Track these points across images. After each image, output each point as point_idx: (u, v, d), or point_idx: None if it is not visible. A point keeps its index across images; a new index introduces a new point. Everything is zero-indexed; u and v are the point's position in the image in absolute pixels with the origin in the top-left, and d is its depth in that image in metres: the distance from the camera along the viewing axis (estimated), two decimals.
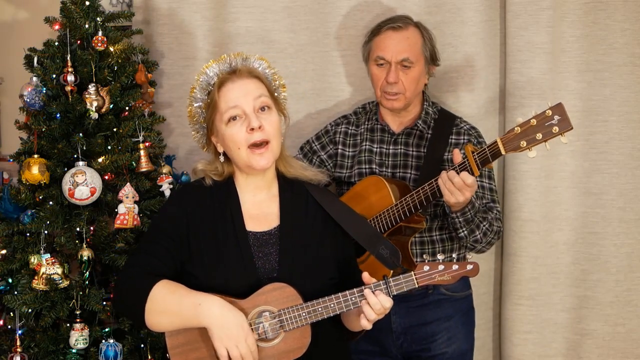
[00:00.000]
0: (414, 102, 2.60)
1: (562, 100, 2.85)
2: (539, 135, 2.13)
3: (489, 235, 2.45)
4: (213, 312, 1.91)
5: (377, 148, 2.63)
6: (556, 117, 2.12)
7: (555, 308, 2.96)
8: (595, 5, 2.87)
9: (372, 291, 1.94)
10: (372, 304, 1.93)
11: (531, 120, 2.14)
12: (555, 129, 2.12)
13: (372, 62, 2.57)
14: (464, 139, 2.56)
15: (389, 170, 2.60)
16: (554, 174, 2.91)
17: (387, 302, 1.94)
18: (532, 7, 2.82)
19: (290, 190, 2.13)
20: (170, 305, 1.94)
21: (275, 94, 2.11)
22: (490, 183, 2.56)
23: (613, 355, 2.97)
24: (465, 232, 2.41)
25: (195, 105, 2.10)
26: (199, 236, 2.04)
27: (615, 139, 2.90)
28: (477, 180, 2.51)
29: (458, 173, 2.25)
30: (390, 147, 2.62)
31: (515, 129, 2.16)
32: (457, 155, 2.28)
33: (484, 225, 2.42)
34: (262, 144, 2.01)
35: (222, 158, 2.09)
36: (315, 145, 2.72)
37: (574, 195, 2.94)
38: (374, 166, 2.61)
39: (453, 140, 2.56)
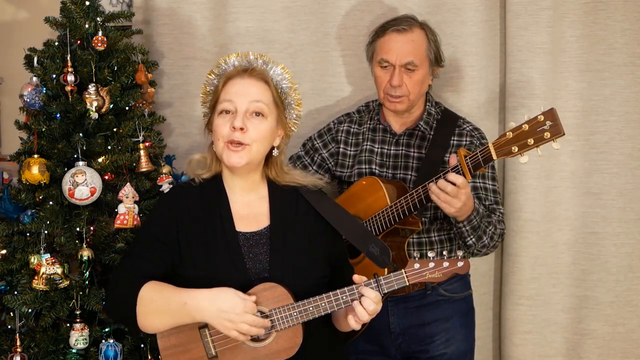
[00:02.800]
0: (417, 103, 2.59)
1: (562, 100, 2.88)
2: (531, 141, 2.13)
3: (495, 239, 2.45)
4: (202, 306, 1.92)
5: (378, 148, 2.62)
6: (548, 123, 2.12)
7: (555, 308, 2.96)
8: (595, 5, 2.87)
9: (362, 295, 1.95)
10: (365, 304, 1.94)
11: (523, 126, 2.14)
12: (547, 134, 2.12)
13: (375, 64, 2.55)
14: (466, 141, 2.55)
15: (390, 171, 2.59)
16: (554, 174, 2.91)
17: (374, 295, 1.94)
18: (532, 7, 2.82)
19: (279, 190, 2.14)
20: (159, 306, 1.95)
21: (282, 107, 2.11)
22: (493, 185, 2.55)
23: (613, 355, 2.97)
24: (474, 239, 2.40)
25: (208, 89, 2.14)
26: (189, 238, 2.05)
27: (615, 139, 2.90)
28: (479, 183, 2.51)
29: (445, 179, 2.23)
30: (392, 148, 2.61)
31: (507, 134, 2.16)
32: (454, 160, 2.28)
33: (490, 230, 2.41)
34: (239, 144, 2.03)
35: (214, 146, 2.11)
36: (317, 143, 2.72)
37: (574, 195, 2.94)
38: (374, 166, 2.61)
39: (455, 142, 2.55)
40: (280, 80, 2.12)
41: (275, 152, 2.12)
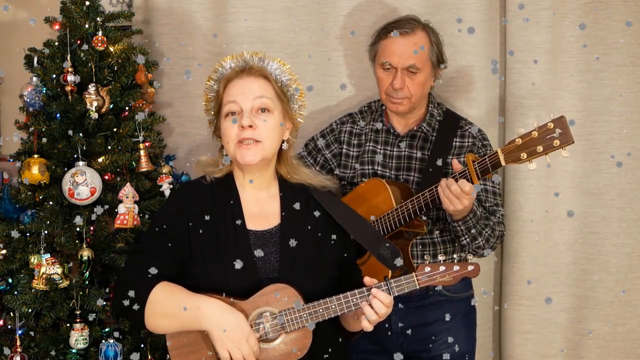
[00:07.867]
0: (420, 104, 2.59)
1: (562, 100, 2.87)
2: (540, 148, 2.13)
3: (491, 241, 2.45)
4: (213, 315, 1.91)
5: (381, 149, 2.62)
6: (558, 130, 2.11)
7: (555, 308, 2.96)
8: (595, 5, 2.86)
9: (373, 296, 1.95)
10: (376, 306, 1.94)
11: (532, 132, 2.14)
12: (557, 142, 2.11)
13: (378, 66, 2.54)
14: (468, 142, 2.55)
15: (393, 173, 2.59)
16: (554, 174, 2.91)
17: (386, 298, 1.95)
18: (532, 7, 2.82)
19: (290, 189, 2.14)
20: (169, 309, 1.94)
21: (286, 99, 2.11)
22: (494, 186, 2.55)
23: (613, 355, 2.97)
24: (468, 239, 2.40)
25: (209, 95, 2.14)
26: (199, 235, 2.04)
27: (615, 139, 2.90)
28: (480, 185, 2.51)
29: (457, 181, 2.25)
30: (395, 150, 2.61)
31: (516, 140, 2.16)
32: (457, 165, 2.28)
33: (486, 232, 2.42)
34: (250, 141, 2.02)
35: (224, 151, 2.10)
36: (320, 144, 2.71)
37: (574, 195, 2.94)
38: (377, 167, 2.60)
39: (457, 144, 2.55)
40: (279, 73, 2.11)
41: (284, 146, 2.11)
